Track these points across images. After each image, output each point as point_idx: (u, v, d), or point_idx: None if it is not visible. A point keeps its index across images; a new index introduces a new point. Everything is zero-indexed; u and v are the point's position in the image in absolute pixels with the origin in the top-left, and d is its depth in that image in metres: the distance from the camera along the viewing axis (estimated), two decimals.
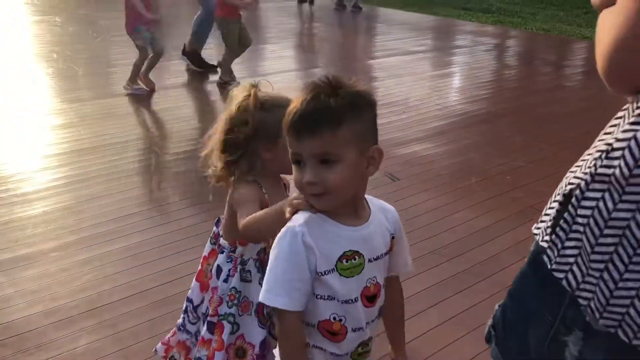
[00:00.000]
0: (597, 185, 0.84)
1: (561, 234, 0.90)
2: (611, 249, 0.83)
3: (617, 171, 0.81)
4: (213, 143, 1.62)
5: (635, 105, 0.82)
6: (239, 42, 5.84)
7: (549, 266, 0.92)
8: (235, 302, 1.66)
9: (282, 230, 1.20)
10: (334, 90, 1.13)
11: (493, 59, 8.22)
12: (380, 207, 1.32)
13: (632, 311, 0.83)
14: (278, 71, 6.64)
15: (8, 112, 4.97)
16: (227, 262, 1.68)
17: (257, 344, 1.65)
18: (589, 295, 0.87)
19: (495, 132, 4.97)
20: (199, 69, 6.32)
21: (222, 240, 1.72)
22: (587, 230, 0.85)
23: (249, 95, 1.57)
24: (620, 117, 0.86)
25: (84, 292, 2.58)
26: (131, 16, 5.31)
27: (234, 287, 1.66)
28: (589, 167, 0.86)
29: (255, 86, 1.60)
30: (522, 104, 5.77)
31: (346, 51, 8.44)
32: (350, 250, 1.20)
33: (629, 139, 0.80)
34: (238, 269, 1.66)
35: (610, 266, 0.83)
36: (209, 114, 5.37)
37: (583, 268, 0.87)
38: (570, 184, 0.90)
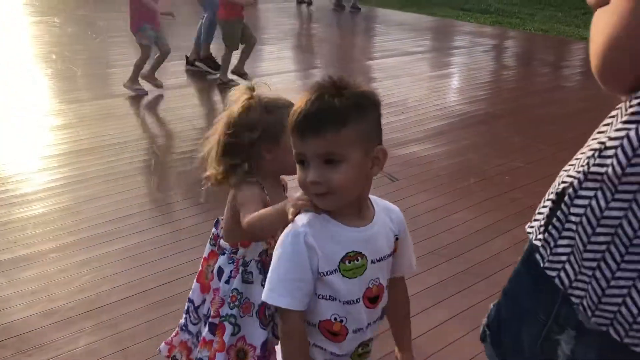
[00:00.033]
0: (589, 184, 0.84)
1: (554, 232, 0.90)
2: (603, 247, 0.83)
3: (610, 170, 0.81)
4: (211, 145, 1.62)
5: (628, 104, 0.83)
6: (244, 41, 5.84)
7: (541, 264, 0.92)
8: (237, 303, 1.66)
9: (285, 230, 1.21)
10: (338, 91, 1.13)
11: (491, 59, 8.23)
12: (385, 208, 1.31)
13: (623, 310, 0.83)
14: (277, 72, 6.65)
15: (7, 113, 4.97)
16: (229, 263, 1.68)
17: (258, 345, 1.65)
18: (582, 293, 0.87)
19: (493, 132, 4.98)
20: (216, 71, 6.27)
21: (222, 242, 1.72)
22: (580, 228, 0.86)
23: (250, 98, 1.57)
24: (613, 116, 0.86)
25: (82, 293, 2.59)
26: (136, 15, 5.31)
27: (235, 289, 1.66)
28: (582, 166, 0.86)
29: (254, 89, 1.61)
30: (521, 104, 5.78)
31: (345, 52, 8.44)
32: (353, 251, 1.21)
33: (621, 138, 0.81)
34: (240, 271, 1.66)
35: (603, 264, 0.83)
36: (208, 114, 5.37)
37: (575, 266, 0.87)
38: (563, 182, 0.90)
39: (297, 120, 1.14)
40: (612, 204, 0.81)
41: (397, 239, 1.31)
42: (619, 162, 0.80)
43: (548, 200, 0.93)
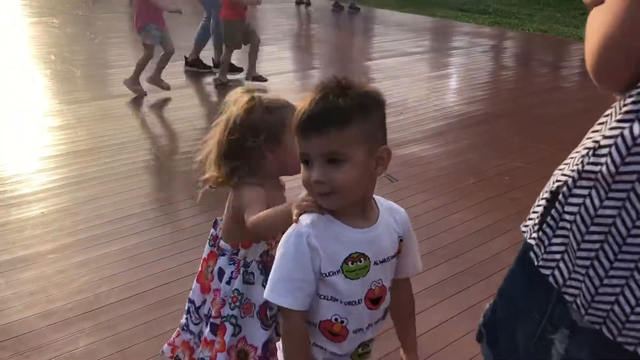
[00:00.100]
0: (584, 183, 0.85)
1: (548, 231, 0.90)
2: (597, 245, 0.83)
3: (604, 168, 0.81)
4: (210, 148, 1.62)
5: (622, 102, 0.83)
6: (248, 42, 5.85)
7: (535, 263, 0.92)
8: (238, 304, 1.66)
9: (289, 230, 1.21)
10: (343, 91, 1.14)
11: (490, 60, 8.24)
12: (389, 208, 1.31)
13: (616, 308, 0.83)
14: (275, 73, 6.64)
15: (5, 114, 4.98)
16: (230, 264, 1.69)
17: (259, 346, 1.66)
18: (575, 291, 0.87)
19: (493, 133, 4.98)
20: (232, 72, 6.26)
21: (222, 243, 1.72)
22: (574, 227, 0.86)
23: (251, 99, 1.58)
24: (607, 115, 0.87)
25: (81, 294, 2.59)
26: (141, 15, 5.31)
27: (236, 289, 1.66)
28: (576, 165, 0.86)
29: (253, 90, 1.61)
30: (520, 105, 5.78)
31: (343, 52, 8.45)
32: (356, 253, 1.20)
33: (615, 137, 0.81)
34: (241, 272, 1.66)
35: (596, 263, 0.84)
36: (208, 114, 5.36)
37: (569, 265, 0.88)
38: (557, 181, 0.90)
39: (302, 120, 1.14)
40: (606, 203, 0.82)
41: (401, 240, 1.31)
42: (613, 161, 0.80)
43: (542, 199, 0.94)
